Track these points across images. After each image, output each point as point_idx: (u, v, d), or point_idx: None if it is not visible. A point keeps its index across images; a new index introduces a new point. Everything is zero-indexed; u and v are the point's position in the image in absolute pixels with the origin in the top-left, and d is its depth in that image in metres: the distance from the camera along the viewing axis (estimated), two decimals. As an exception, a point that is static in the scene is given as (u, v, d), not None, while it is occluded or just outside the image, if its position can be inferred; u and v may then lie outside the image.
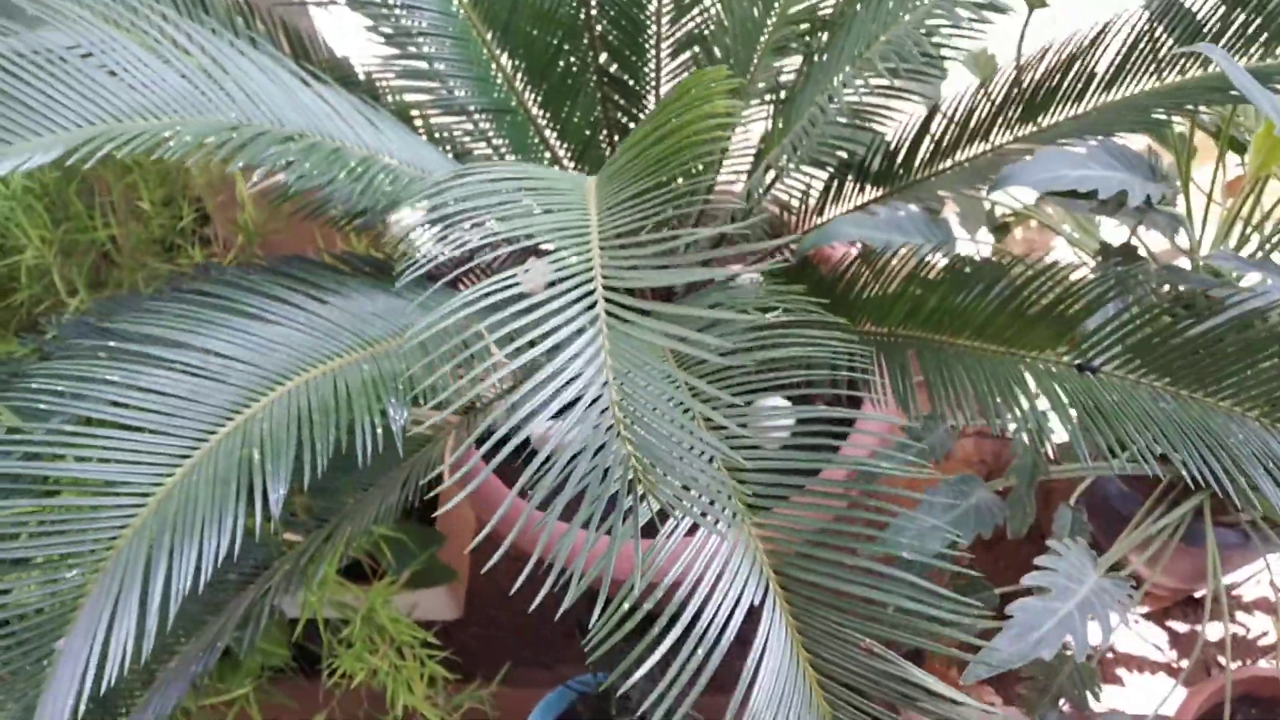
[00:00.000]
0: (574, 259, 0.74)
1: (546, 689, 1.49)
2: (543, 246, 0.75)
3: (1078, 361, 0.94)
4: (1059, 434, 0.94)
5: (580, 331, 0.71)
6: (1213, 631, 1.71)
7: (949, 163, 1.24)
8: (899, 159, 1.27)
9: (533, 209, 0.79)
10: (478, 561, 1.84)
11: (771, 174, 1.25)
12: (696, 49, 1.26)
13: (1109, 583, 1.11)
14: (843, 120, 1.23)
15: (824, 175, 1.29)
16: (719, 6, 1.24)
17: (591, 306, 0.73)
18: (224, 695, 1.25)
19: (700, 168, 1.24)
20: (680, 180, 0.75)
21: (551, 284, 0.74)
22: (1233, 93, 1.08)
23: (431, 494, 1.64)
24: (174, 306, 0.96)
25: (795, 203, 1.30)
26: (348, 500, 1.16)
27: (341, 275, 1.09)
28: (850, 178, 1.29)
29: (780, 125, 1.25)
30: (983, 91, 1.23)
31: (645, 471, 0.69)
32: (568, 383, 0.71)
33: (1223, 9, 1.10)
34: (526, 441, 1.38)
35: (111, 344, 0.91)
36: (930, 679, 0.77)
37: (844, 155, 1.26)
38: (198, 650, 1.06)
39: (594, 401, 0.71)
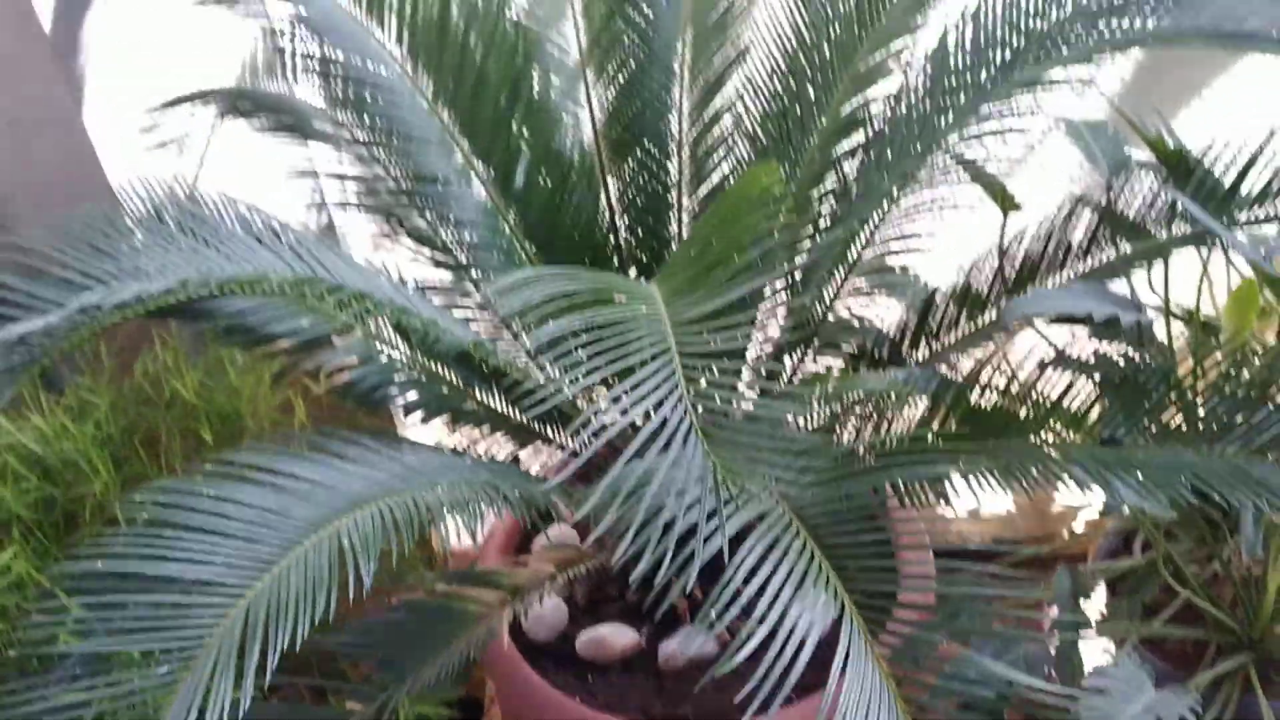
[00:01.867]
0: (644, 308, 0.84)
1: None
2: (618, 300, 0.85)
3: (1103, 437, 1.02)
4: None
5: (658, 362, 0.80)
6: None
7: (950, 339, 1.36)
8: (904, 345, 1.39)
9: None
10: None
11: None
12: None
13: (1169, 694, 1.12)
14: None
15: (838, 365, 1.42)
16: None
17: (666, 350, 0.82)
18: None
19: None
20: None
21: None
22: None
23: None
24: (263, 446, 1.04)
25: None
26: (408, 674, 1.18)
27: (409, 442, 1.18)
28: (863, 367, 1.41)
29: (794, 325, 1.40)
30: (974, 273, 1.38)
31: (726, 468, 0.76)
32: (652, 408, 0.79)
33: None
34: (576, 655, 1.42)
35: (208, 466, 0.98)
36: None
37: (850, 349, 1.40)
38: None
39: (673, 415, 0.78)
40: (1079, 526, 2.07)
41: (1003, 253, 1.38)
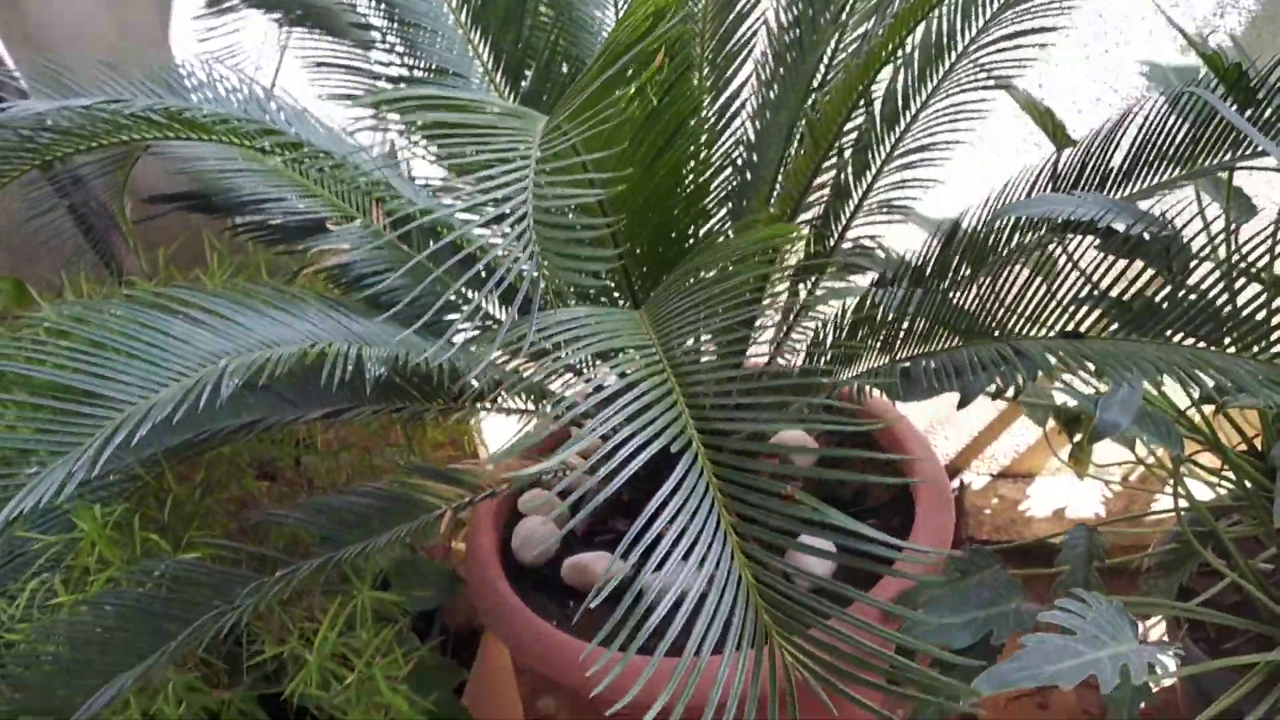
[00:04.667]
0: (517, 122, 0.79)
1: None
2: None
3: (1064, 332, 0.91)
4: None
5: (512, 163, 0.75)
6: None
7: (975, 267, 1.25)
8: (926, 273, 1.29)
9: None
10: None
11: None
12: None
13: (1154, 647, 0.98)
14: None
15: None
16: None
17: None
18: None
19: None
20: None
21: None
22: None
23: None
24: (195, 285, 1.04)
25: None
26: (352, 544, 1.15)
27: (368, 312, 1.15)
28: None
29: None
30: (1004, 198, 1.26)
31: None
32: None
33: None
34: (562, 582, 1.37)
35: (127, 292, 0.98)
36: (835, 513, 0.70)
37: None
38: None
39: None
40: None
41: (1036, 180, 1.27)
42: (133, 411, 0.88)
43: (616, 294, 1.19)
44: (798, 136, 1.23)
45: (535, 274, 0.72)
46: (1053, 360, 0.86)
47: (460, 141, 0.78)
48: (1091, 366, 0.83)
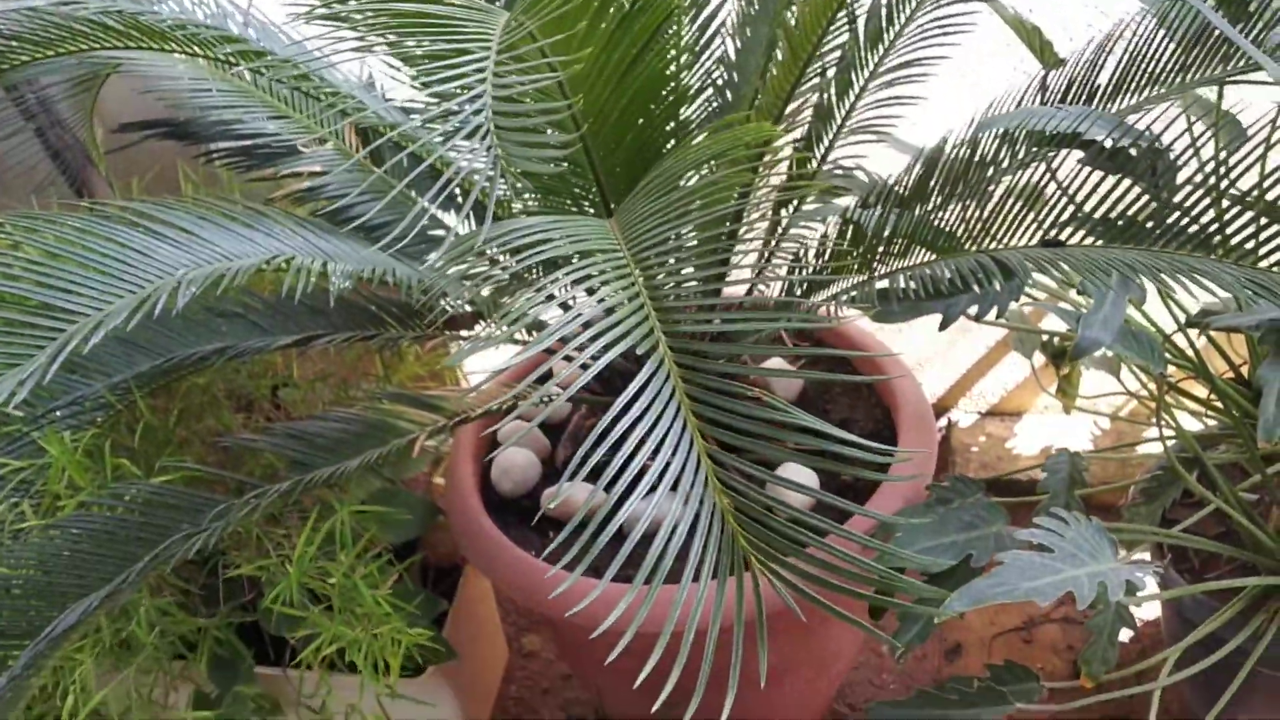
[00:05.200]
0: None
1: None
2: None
3: (1045, 240, 0.89)
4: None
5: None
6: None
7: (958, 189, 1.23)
8: (907, 197, 1.27)
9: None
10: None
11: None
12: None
13: (1134, 568, 0.96)
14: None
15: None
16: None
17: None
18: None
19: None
20: None
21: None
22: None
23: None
24: (159, 198, 1.01)
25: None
26: (323, 468, 1.14)
27: (339, 232, 1.13)
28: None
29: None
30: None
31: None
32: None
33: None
34: (540, 513, 1.35)
35: (87, 204, 0.96)
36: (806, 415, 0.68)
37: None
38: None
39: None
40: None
41: (1022, 99, 1.24)
42: (85, 322, 0.86)
43: (593, 214, 1.16)
44: (778, 54, 1.20)
45: (494, 163, 0.69)
46: (1033, 269, 0.84)
47: (421, 34, 0.75)
48: (1075, 277, 0.81)
